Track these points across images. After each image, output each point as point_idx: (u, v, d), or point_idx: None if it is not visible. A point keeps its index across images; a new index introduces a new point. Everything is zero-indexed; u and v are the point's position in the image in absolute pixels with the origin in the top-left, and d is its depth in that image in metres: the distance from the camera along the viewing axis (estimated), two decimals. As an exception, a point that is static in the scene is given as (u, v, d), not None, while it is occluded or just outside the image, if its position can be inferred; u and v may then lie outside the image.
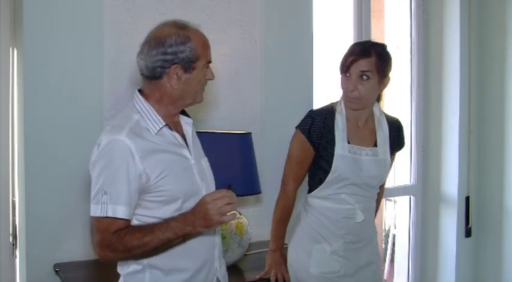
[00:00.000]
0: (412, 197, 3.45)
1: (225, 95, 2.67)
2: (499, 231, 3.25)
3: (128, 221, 1.57)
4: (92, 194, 1.57)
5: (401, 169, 3.59)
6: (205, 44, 1.66)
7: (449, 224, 3.31)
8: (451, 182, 3.30)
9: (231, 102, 2.69)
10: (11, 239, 2.62)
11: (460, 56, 3.22)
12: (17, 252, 2.58)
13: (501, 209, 3.24)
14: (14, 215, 2.60)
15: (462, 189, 3.28)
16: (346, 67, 2.07)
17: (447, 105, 3.30)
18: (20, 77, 2.44)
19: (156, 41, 1.60)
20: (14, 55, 2.58)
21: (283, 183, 2.19)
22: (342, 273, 2.12)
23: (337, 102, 2.17)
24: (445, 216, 3.33)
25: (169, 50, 1.59)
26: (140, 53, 1.64)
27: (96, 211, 1.55)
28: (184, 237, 1.57)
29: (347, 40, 3.21)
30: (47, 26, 2.30)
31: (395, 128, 2.24)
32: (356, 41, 3.03)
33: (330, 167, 2.08)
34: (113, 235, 1.54)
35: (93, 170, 1.59)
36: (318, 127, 2.10)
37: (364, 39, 3.10)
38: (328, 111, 2.14)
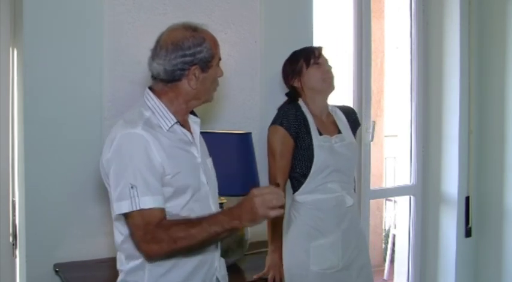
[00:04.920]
0: (412, 197, 3.45)
1: (225, 95, 2.67)
2: (499, 231, 3.26)
3: (162, 209, 1.55)
4: (116, 191, 1.54)
5: (401, 169, 3.60)
6: (216, 43, 1.72)
7: (449, 224, 3.31)
8: (451, 182, 3.30)
9: (231, 102, 2.69)
10: (11, 239, 2.62)
11: (460, 56, 3.22)
12: (17, 252, 2.58)
13: (501, 209, 3.24)
14: (14, 215, 2.60)
15: (462, 189, 3.28)
16: (317, 57, 2.27)
17: (447, 105, 3.29)
18: (20, 77, 2.44)
19: (173, 45, 1.63)
20: (14, 55, 2.58)
21: (271, 182, 2.22)
22: (340, 267, 2.17)
23: (297, 101, 2.29)
24: (445, 216, 3.33)
25: (188, 52, 1.63)
26: (155, 58, 1.64)
27: (125, 207, 1.52)
28: (231, 231, 1.55)
29: (347, 40, 3.21)
30: (47, 26, 2.30)
31: (349, 113, 2.42)
32: (356, 45, 3.09)
33: (312, 158, 2.18)
34: (156, 227, 1.51)
35: (110, 166, 1.56)
36: (293, 119, 2.21)
37: (364, 39, 3.11)
38: (296, 107, 2.26)
